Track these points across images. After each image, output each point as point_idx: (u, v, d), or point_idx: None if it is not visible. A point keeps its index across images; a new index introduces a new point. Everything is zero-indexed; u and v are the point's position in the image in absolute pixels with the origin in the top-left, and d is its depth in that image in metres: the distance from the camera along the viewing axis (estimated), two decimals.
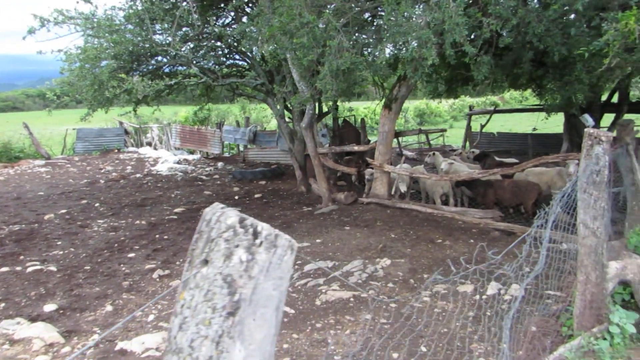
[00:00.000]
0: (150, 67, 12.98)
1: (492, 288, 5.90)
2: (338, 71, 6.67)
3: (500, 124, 32.92)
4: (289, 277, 1.16)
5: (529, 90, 16.45)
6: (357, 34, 7.82)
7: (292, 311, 5.46)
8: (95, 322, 5.56)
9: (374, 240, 8.17)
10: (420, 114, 42.77)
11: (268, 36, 6.94)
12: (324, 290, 5.96)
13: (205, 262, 1.07)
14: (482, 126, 19.25)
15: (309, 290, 6.02)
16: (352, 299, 5.71)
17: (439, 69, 14.67)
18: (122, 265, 7.53)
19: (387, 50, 6.97)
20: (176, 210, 11.41)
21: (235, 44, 12.18)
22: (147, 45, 11.08)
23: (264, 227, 1.11)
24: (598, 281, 4.32)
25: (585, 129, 4.28)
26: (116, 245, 8.64)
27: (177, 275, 7.02)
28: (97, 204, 12.26)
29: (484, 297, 5.72)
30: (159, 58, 12.74)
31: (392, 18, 6.21)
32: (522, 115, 23.76)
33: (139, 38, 10.85)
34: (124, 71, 11.81)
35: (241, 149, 20.78)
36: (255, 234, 1.07)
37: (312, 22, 6.38)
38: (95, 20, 11.15)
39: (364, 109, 32.59)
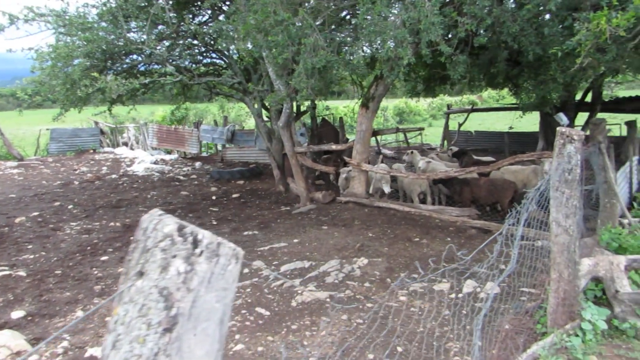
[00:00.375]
0: (125, 66, 12.75)
1: (468, 286, 5.90)
2: (313, 70, 6.60)
3: (478, 123, 33.22)
4: (234, 288, 1.09)
5: (506, 90, 16.64)
6: (333, 33, 7.76)
7: (268, 313, 5.38)
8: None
9: (352, 240, 8.14)
10: (400, 112, 42.90)
11: (243, 34, 6.85)
12: (299, 291, 5.89)
13: (141, 274, 0.99)
14: (460, 125, 19.39)
15: (284, 291, 5.96)
16: (328, 299, 5.66)
17: (416, 68, 14.72)
18: (94, 269, 7.36)
19: (364, 49, 6.93)
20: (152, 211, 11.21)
21: (212, 42, 12.03)
22: (120, 44, 10.87)
23: (204, 235, 1.04)
24: (570, 278, 4.34)
25: (558, 128, 4.30)
26: (89, 248, 8.46)
27: None
28: (70, 206, 12.00)
29: (460, 295, 5.72)
30: (134, 56, 12.52)
31: (367, 17, 6.17)
32: (499, 114, 24.01)
33: (113, 36, 10.63)
34: (97, 70, 11.57)
35: (219, 148, 20.59)
36: (195, 243, 1.00)
37: (287, 20, 6.31)
38: (67, 17, 10.88)
39: (344, 107, 32.56)
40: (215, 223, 10.03)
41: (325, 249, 7.79)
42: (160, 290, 0.96)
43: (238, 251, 1.09)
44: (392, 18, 6.02)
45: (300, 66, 6.44)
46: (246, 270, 6.96)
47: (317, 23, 7.99)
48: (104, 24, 11.17)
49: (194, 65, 13.89)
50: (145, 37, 10.99)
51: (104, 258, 7.87)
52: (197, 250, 1.00)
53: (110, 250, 8.32)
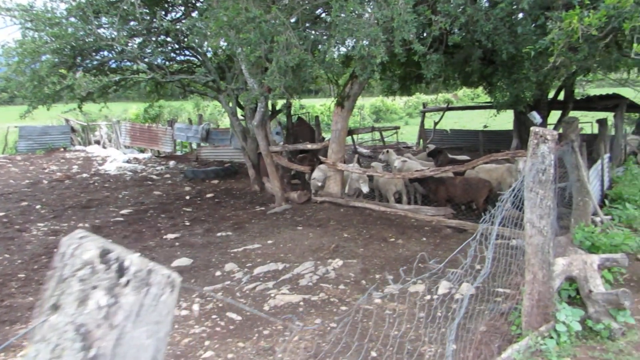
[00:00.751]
0: (95, 63, 12.41)
1: (444, 287, 5.85)
2: (287, 68, 6.47)
3: (453, 121, 33.46)
4: (170, 320, 0.96)
5: (481, 88, 16.75)
6: (307, 31, 7.63)
7: (239, 318, 5.24)
8: (26, 336, 5.17)
9: (327, 240, 8.04)
10: (376, 111, 42.96)
11: (214, 31, 6.67)
12: (273, 295, 5.76)
13: (55, 307, 0.86)
14: (436, 123, 19.46)
15: (257, 295, 5.82)
16: (301, 303, 5.54)
17: (392, 67, 14.70)
18: None
19: (338, 48, 6.81)
20: (123, 212, 10.95)
21: (185, 39, 11.78)
22: (90, 40, 10.55)
23: (132, 262, 0.90)
24: (545, 280, 4.31)
25: (531, 128, 4.25)
26: (55, 250, 8.13)
27: None
28: (38, 206, 11.64)
29: (435, 296, 5.66)
30: (104, 53, 12.20)
31: (341, 15, 6.06)
32: (474, 112, 24.17)
33: (82, 32, 10.31)
34: (66, 66, 11.24)
35: (194, 147, 20.28)
36: (121, 271, 0.87)
37: (259, 17, 6.16)
38: (34, 12, 10.53)
39: (320, 106, 32.46)
40: (188, 224, 9.82)
41: (299, 250, 7.67)
42: (77, 328, 0.83)
43: (174, 278, 0.96)
44: (366, 16, 5.92)
45: (274, 64, 6.30)
46: (218, 273, 6.80)
47: (292, 20, 7.87)
48: (73, 19, 10.84)
49: (167, 63, 13.60)
50: (115, 33, 10.71)
51: None
52: (123, 280, 0.87)
53: None
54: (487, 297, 5.36)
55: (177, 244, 8.41)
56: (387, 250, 7.50)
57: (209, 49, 11.13)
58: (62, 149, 21.30)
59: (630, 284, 5.55)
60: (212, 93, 13.47)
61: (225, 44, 7.83)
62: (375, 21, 5.79)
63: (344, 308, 5.44)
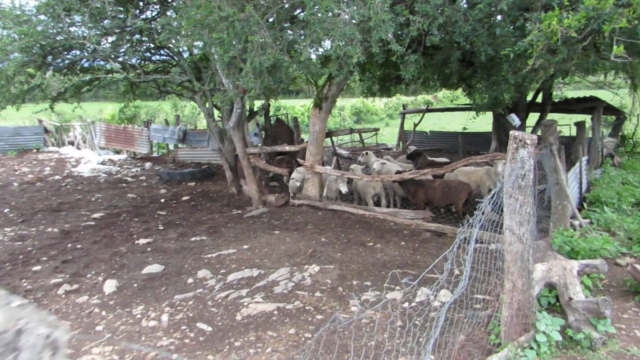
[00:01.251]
0: (66, 62, 12.02)
1: (422, 294, 5.71)
2: (262, 68, 6.26)
3: (433, 123, 33.56)
4: None
5: (460, 90, 16.73)
6: (284, 30, 7.43)
7: (210, 329, 5.02)
8: None
9: (304, 245, 7.85)
10: (357, 112, 42.88)
11: (186, 29, 6.43)
12: (246, 303, 5.55)
13: None
14: (415, 125, 19.40)
15: (230, 304, 5.60)
16: (275, 312, 5.34)
17: (371, 68, 14.57)
18: (24, 280, 6.79)
19: (315, 48, 6.61)
20: (95, 215, 10.61)
21: (158, 38, 11.47)
22: (61, 38, 10.21)
23: None
24: (525, 288, 4.18)
25: (511, 132, 4.13)
26: (21, 256, 7.85)
27: (86, 291, 6.39)
28: (6, 210, 11.25)
29: (412, 304, 5.51)
30: (76, 52, 11.82)
31: (318, 14, 5.88)
32: (454, 114, 24.20)
33: (52, 30, 9.96)
34: (36, 65, 10.87)
35: (171, 148, 19.91)
36: None
37: (232, 15, 5.94)
38: (1, 9, 10.15)
39: (301, 106, 32.25)
40: (161, 228, 9.53)
41: (276, 255, 7.47)
42: None
43: (56, 337, 0.76)
44: (342, 15, 5.74)
45: (248, 65, 6.09)
46: (190, 281, 6.56)
47: (270, 20, 7.66)
48: (42, 17, 10.47)
49: (142, 62, 13.27)
50: (87, 31, 10.37)
51: (36, 268, 7.29)
52: None
53: (44, 259, 7.73)
54: (466, 304, 5.24)
55: (149, 249, 8.14)
56: (365, 255, 7.35)
57: (184, 48, 10.85)
58: (34, 150, 20.74)
59: (609, 290, 5.48)
60: (188, 93, 13.18)
61: (200, 43, 7.59)
62: (352, 20, 5.62)
63: (319, 317, 5.25)
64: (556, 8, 4.98)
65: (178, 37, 7.98)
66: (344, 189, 9.92)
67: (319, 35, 5.65)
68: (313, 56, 9.36)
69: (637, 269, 5.30)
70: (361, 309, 5.36)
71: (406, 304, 5.52)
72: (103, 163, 18.06)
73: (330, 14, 5.78)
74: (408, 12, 6.07)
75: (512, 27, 6.26)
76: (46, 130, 21.77)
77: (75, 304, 5.94)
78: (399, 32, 6.55)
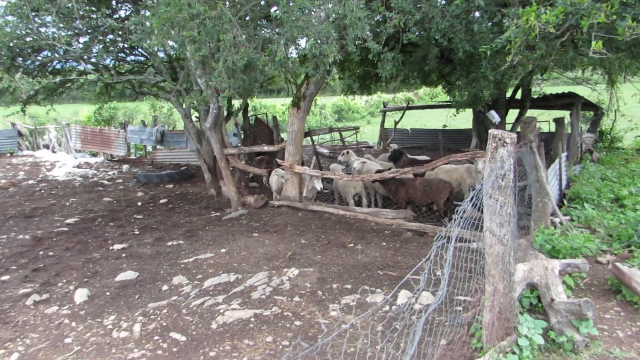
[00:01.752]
0: (37, 64, 11.67)
1: (402, 297, 5.58)
2: (235, 68, 6.07)
3: (414, 120, 33.64)
4: None
5: (440, 87, 16.70)
6: (258, 28, 7.24)
7: (184, 338, 4.83)
8: None
9: (283, 248, 7.69)
10: (338, 110, 42.82)
11: (155, 28, 6.21)
12: (222, 311, 5.37)
13: None
14: (396, 123, 19.30)
15: (205, 312, 5.41)
16: (252, 319, 5.17)
17: (351, 66, 14.45)
18: None
19: (290, 47, 6.44)
20: (68, 221, 10.31)
21: (132, 38, 11.20)
22: (30, 39, 9.88)
23: None
24: (506, 291, 4.07)
25: (490, 130, 4.01)
26: None
27: (56, 301, 6.15)
28: None
29: (393, 307, 5.39)
30: (47, 53, 11.48)
31: (293, 11, 5.71)
32: (436, 111, 24.21)
33: (21, 31, 9.62)
34: (4, 67, 10.53)
35: (149, 150, 19.56)
36: None
37: (203, 13, 5.74)
38: None
39: (282, 105, 32.03)
40: (137, 233, 9.29)
41: (254, 259, 7.30)
42: None
43: None
44: (317, 12, 5.58)
45: (220, 64, 5.89)
46: (165, 288, 6.36)
47: (247, 18, 7.46)
48: (10, 17, 10.12)
49: (116, 63, 12.97)
50: (57, 32, 10.06)
51: (4, 278, 7.02)
52: None
53: (13, 267, 7.46)
54: (447, 306, 5.13)
55: (124, 255, 7.90)
56: (345, 257, 7.21)
57: (160, 48, 10.57)
58: (8, 154, 20.21)
59: (591, 289, 5.41)
60: (164, 94, 12.90)
61: (171, 42, 7.37)
62: (328, 18, 5.46)
63: (298, 323, 5.10)
64: (534, 3, 4.89)
65: (152, 36, 7.74)
66: (318, 185, 9.79)
67: (293, 33, 5.48)
68: (294, 54, 9.22)
69: (618, 268, 5.24)
70: (341, 319, 5.22)
71: (387, 307, 5.40)
72: (79, 166, 17.66)
73: (305, 11, 5.62)
74: (384, 8, 5.93)
75: (490, 24, 6.16)
76: (20, 134, 21.23)
77: (44, 315, 5.70)
78: (376, 30, 6.41)
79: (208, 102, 8.85)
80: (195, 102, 8.05)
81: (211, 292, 6.02)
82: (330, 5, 5.48)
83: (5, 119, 20.38)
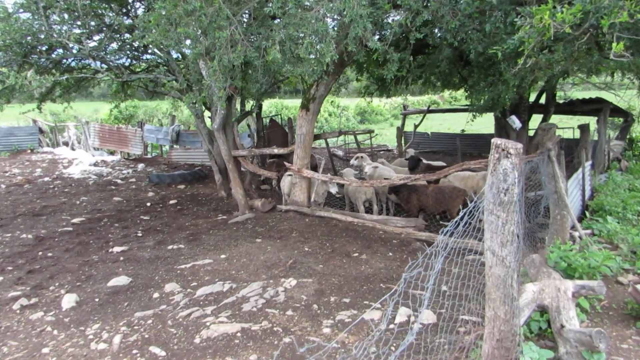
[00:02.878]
0: (49, 61, 11.65)
1: (402, 314, 5.22)
2: (233, 67, 5.79)
3: (439, 123, 33.07)
4: None
5: (462, 90, 16.18)
6: (262, 27, 6.94)
7: (163, 353, 4.55)
8: None
9: (285, 255, 7.38)
10: (362, 112, 42.38)
11: (153, 25, 5.98)
12: (208, 323, 5.08)
13: None
14: (416, 126, 18.88)
15: (190, 324, 5.13)
16: (239, 334, 4.86)
17: (370, 67, 14.07)
18: None
19: (286, 46, 6.10)
20: (74, 220, 10.20)
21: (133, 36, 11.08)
22: (42, 37, 9.82)
23: None
24: (508, 317, 3.68)
25: (493, 140, 3.63)
26: None
27: (45, 305, 5.96)
28: None
29: (391, 326, 5.02)
30: (60, 51, 11.44)
31: (287, 6, 5.37)
32: (459, 115, 23.63)
33: (34, 28, 9.56)
34: (17, 64, 10.52)
35: (166, 149, 19.53)
36: None
37: (199, 9, 5.48)
38: None
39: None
40: (140, 234, 9.11)
41: (253, 266, 7.01)
42: None
43: None
44: (314, 9, 5.25)
45: (215, 62, 5.62)
46: (156, 295, 6.11)
47: (251, 16, 7.18)
48: (24, 14, 10.09)
49: (132, 62, 12.89)
50: (77, 30, 10.01)
51: None
52: None
53: (9, 268, 7.33)
54: (449, 327, 4.74)
55: (122, 258, 7.70)
56: (348, 267, 6.86)
57: (165, 45, 10.40)
58: (28, 151, 20.43)
59: (608, 313, 4.96)
60: (176, 93, 12.75)
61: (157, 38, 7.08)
62: (325, 16, 5.14)
63: (286, 340, 4.77)
64: (550, 1, 4.47)
65: (151, 33, 7.53)
66: (333, 189, 9.46)
67: (289, 31, 5.16)
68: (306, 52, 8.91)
69: (638, 290, 4.79)
70: (333, 337, 4.88)
71: (384, 326, 5.03)
72: (95, 164, 17.70)
73: (304, 5, 5.30)
74: (390, 6, 5.57)
75: (503, 23, 5.73)
76: (41, 131, 21.45)
77: (28, 321, 5.51)
78: (382, 29, 6.04)
79: (209, 103, 8.59)
80: (192, 102, 7.77)
81: (201, 302, 5.75)
82: (329, 1, 5.13)
83: (26, 116, 20.56)
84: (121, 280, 6.62)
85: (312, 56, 5.50)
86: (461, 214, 3.65)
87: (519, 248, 3.85)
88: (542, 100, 13.93)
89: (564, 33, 4.51)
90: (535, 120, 14.52)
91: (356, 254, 7.42)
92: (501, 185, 3.56)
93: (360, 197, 9.70)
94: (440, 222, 9.32)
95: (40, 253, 8.04)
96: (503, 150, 3.56)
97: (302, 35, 5.28)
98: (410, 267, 2.92)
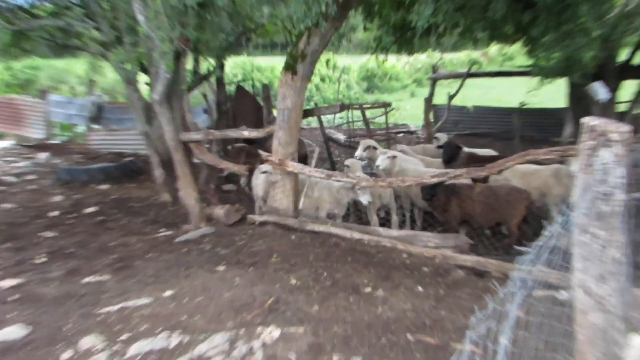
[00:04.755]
0: None
1: None
2: (185, 8, 5.67)
3: (483, 93, 33.21)
4: None
5: (519, 45, 16.21)
6: None
7: None
8: None
9: (261, 291, 7.29)
10: (368, 76, 42.59)
11: None
12: None
13: None
14: (451, 97, 18.91)
15: None
16: None
17: (383, 10, 14.06)
18: None
19: None
20: None
21: None
22: None
23: None
24: None
25: (585, 121, 3.50)
26: None
27: None
28: None
29: None
30: None
31: None
32: (513, 81, 23.66)
33: None
34: None
35: (82, 130, 19.43)
36: None
37: None
38: None
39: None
40: (44, 260, 9.02)
41: (214, 308, 6.89)
42: None
43: None
44: None
45: (158, 1, 5.51)
46: (67, 355, 5.95)
47: None
48: None
49: (33, 1, 12.83)
50: None
51: None
52: None
53: None
54: None
55: (15, 296, 7.57)
56: (357, 310, 6.78)
57: None
58: None
59: None
60: (98, 49, 12.63)
61: None
62: None
63: None
64: None
65: None
66: (365, 199, 9.31)
67: None
68: None
69: None
70: None
71: None
72: None
73: None
74: None
75: None
76: None
77: None
78: None
79: (147, 63, 8.48)
80: (121, 61, 7.69)
81: None
82: None
83: None
84: (13, 331, 6.47)
85: None
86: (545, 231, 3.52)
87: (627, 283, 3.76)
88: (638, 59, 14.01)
89: None
90: (628, 88, 14.60)
91: (368, 289, 7.38)
92: (599, 189, 3.44)
93: (374, 203, 9.66)
94: (493, 240, 9.32)
95: None
96: (601, 135, 3.43)
97: None
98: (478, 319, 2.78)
